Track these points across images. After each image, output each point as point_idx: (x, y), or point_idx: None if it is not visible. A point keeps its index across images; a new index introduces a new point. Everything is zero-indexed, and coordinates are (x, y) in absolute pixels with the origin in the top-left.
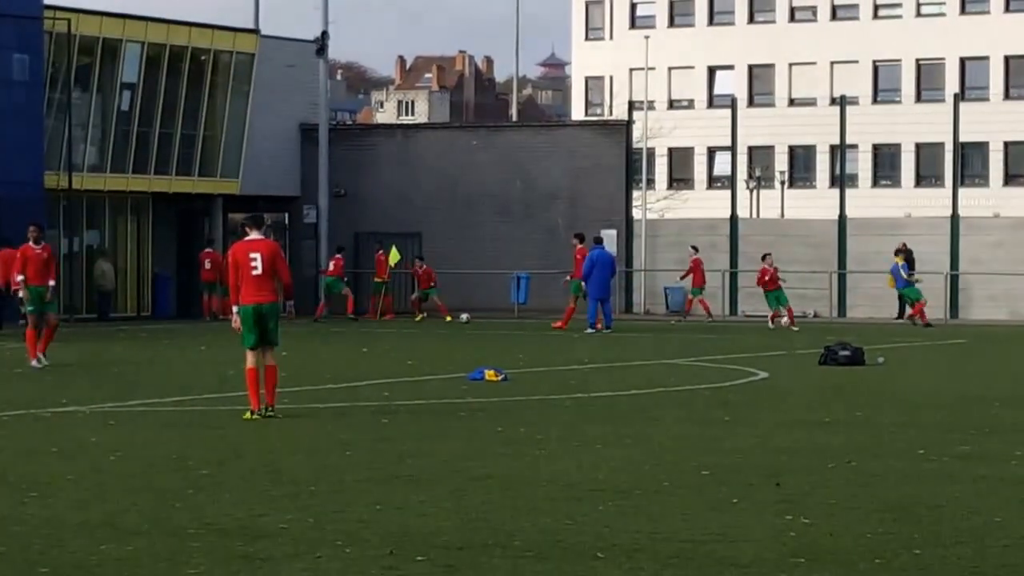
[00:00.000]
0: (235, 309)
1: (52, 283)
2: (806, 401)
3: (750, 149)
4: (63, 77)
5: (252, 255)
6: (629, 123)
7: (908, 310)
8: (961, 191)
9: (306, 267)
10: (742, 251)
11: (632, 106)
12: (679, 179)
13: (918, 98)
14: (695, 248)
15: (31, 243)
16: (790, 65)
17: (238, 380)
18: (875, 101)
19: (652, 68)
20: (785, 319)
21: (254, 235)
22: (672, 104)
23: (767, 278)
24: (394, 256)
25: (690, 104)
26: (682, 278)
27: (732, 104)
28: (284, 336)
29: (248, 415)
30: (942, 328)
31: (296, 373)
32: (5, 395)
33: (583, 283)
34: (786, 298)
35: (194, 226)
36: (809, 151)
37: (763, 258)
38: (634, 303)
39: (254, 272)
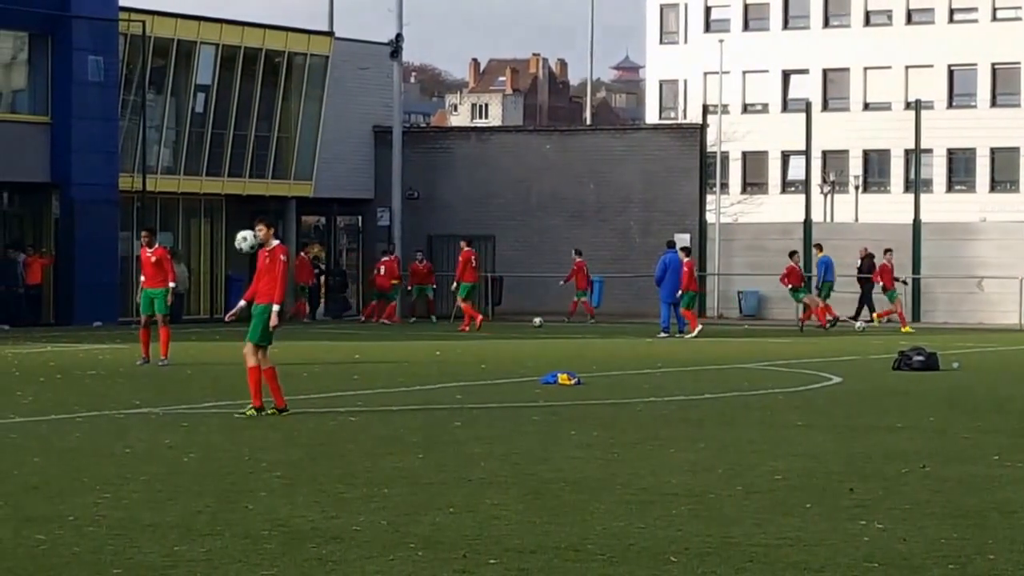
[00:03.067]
0: (275, 308)
1: (172, 284)
2: (880, 406)
3: (824, 153)
4: (138, 79)
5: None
6: (703, 127)
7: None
8: None
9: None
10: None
11: (706, 110)
12: (753, 183)
13: (993, 102)
14: (578, 252)
15: (144, 247)
16: (865, 69)
17: (312, 382)
18: (950, 105)
19: (726, 72)
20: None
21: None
22: (746, 108)
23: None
24: None
25: (764, 108)
26: (565, 282)
27: (806, 108)
28: (361, 338)
29: (274, 411)
30: (1017, 334)
31: (370, 375)
32: (79, 396)
33: (461, 284)
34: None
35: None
36: (883, 155)
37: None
38: (707, 307)
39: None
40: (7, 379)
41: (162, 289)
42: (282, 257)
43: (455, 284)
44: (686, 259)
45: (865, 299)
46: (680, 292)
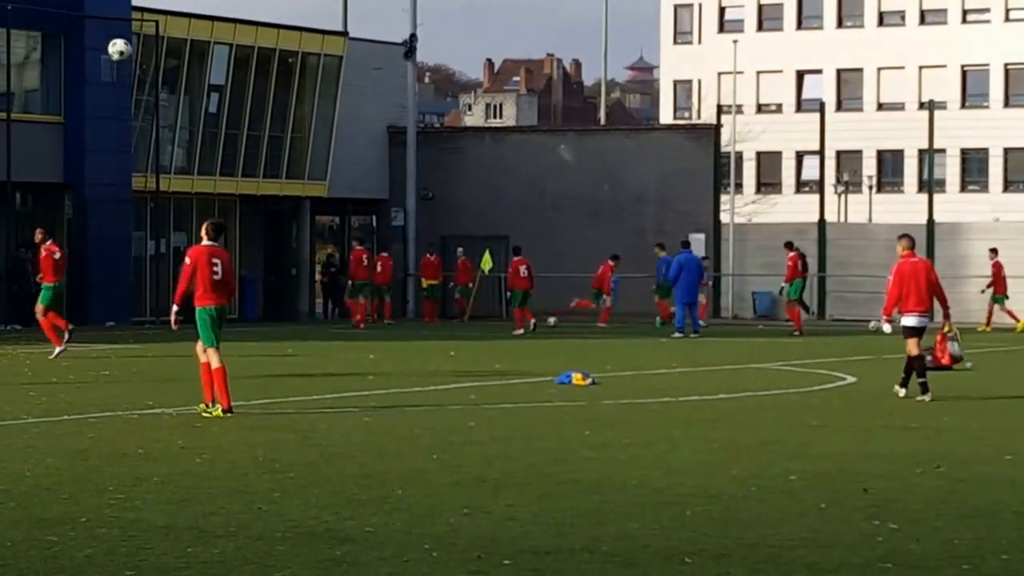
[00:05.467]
0: (175, 309)
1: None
2: (894, 406)
3: (838, 153)
4: (151, 79)
5: (215, 260)
6: (717, 127)
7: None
8: None
9: (395, 269)
10: (830, 255)
11: (720, 110)
12: (767, 183)
13: (1006, 103)
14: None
15: (40, 243)
16: (878, 69)
17: (327, 382)
18: (963, 105)
19: (740, 72)
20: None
21: (211, 241)
22: (760, 108)
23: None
24: (487, 262)
25: (778, 108)
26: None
27: (820, 108)
28: (374, 339)
29: (205, 407)
30: None
31: (384, 376)
32: (92, 397)
33: (354, 283)
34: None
35: (281, 229)
36: (897, 155)
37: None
38: (722, 307)
39: (215, 277)
40: (20, 379)
41: (53, 284)
42: (186, 260)
43: (349, 283)
44: (516, 258)
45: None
46: (517, 290)
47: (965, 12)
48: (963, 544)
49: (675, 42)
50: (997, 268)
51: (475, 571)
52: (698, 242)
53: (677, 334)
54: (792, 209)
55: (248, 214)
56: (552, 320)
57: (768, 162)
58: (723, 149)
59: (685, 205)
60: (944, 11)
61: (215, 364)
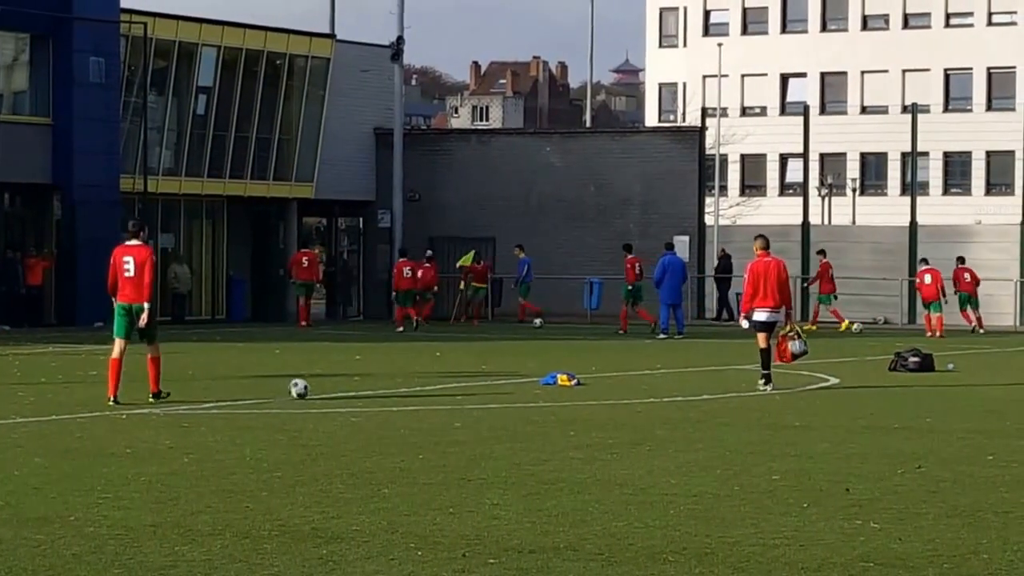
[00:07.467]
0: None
1: None
2: (876, 407)
3: (822, 156)
4: (139, 80)
5: (125, 259)
6: (702, 130)
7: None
8: None
9: (381, 271)
10: (813, 258)
11: (705, 113)
12: (751, 186)
13: (989, 106)
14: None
15: None
16: (862, 73)
17: (314, 383)
18: (946, 109)
19: (725, 75)
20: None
21: (134, 241)
22: (745, 111)
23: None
24: (467, 259)
25: (763, 111)
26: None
27: (804, 111)
28: (363, 339)
29: (109, 401)
30: (1012, 336)
31: (370, 376)
32: (80, 397)
33: (297, 283)
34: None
35: (268, 230)
36: (880, 158)
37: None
38: (706, 309)
39: (127, 274)
40: (9, 380)
41: None
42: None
43: (295, 282)
44: (401, 259)
45: (723, 300)
46: (400, 290)
47: (948, 16)
48: (944, 543)
49: (660, 45)
50: (824, 268)
51: (460, 570)
52: (682, 244)
53: (661, 335)
54: (776, 211)
55: (235, 215)
56: (537, 321)
57: (752, 165)
58: (708, 152)
59: (670, 207)
60: (927, 15)
61: (114, 354)
